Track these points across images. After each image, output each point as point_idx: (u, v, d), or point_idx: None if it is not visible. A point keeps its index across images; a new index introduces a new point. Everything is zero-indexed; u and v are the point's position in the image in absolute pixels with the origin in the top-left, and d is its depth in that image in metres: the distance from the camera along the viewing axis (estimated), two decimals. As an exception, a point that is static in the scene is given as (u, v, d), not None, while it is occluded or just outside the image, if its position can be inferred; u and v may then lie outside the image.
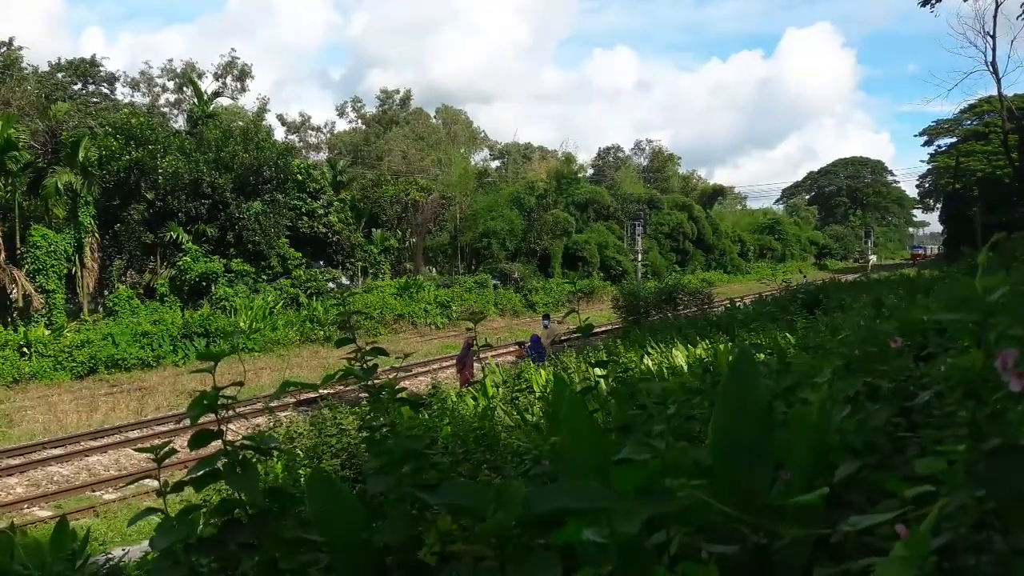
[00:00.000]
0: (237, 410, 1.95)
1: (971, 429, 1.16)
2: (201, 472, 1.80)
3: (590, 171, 76.53)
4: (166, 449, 1.91)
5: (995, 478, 1.09)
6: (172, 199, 32.71)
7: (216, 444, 1.86)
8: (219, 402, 1.84)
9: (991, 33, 36.36)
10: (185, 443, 1.98)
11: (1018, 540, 1.12)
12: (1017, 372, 1.10)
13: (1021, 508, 1.11)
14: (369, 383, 2.10)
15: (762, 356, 5.63)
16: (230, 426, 1.89)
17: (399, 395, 2.14)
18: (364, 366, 2.14)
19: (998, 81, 37.41)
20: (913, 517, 1.17)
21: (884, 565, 1.14)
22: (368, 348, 2.17)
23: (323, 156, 62.76)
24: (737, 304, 24.40)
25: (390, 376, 2.26)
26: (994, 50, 36.70)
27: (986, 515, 1.13)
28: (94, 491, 14.33)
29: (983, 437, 1.14)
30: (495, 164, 71.47)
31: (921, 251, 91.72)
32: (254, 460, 1.85)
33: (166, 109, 56.73)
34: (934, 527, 1.08)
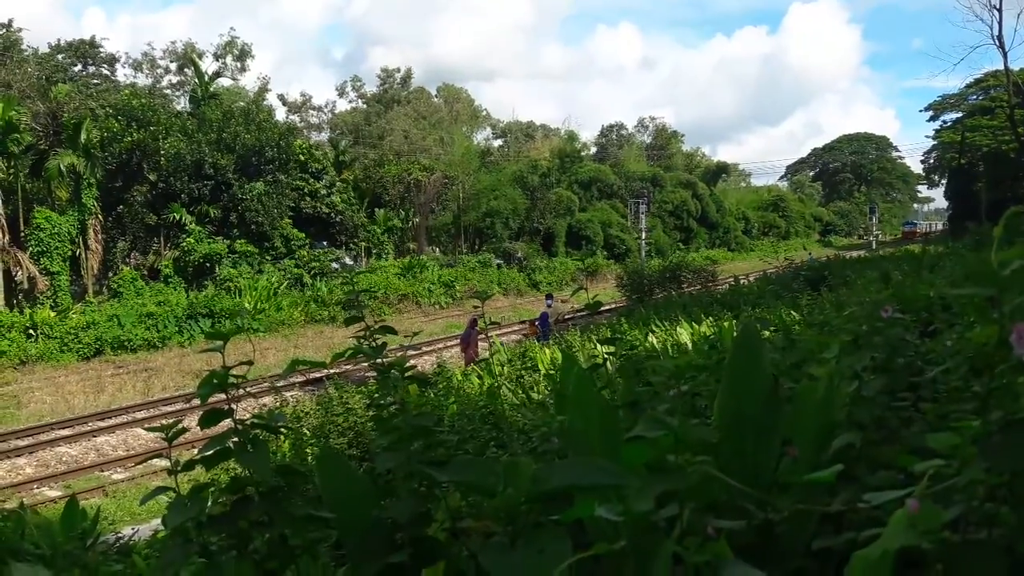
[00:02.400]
0: (245, 390, 1.95)
1: (983, 403, 1.16)
2: (212, 451, 1.81)
3: (593, 149, 76.15)
4: (176, 428, 1.92)
5: (1008, 451, 1.09)
6: (175, 180, 32.66)
7: (226, 423, 1.87)
8: (229, 381, 1.84)
9: (998, 7, 35.89)
10: (193, 423, 1.99)
11: None
12: (1028, 344, 1.10)
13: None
14: (378, 361, 2.11)
15: (767, 332, 5.63)
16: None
17: (408, 373, 2.15)
18: (373, 344, 2.14)
19: (1004, 55, 37.02)
20: (924, 492, 1.17)
21: (887, 535, 1.15)
22: (377, 326, 2.18)
23: (324, 136, 62.50)
24: (741, 281, 24.38)
25: (398, 354, 2.27)
26: (1000, 24, 36.26)
27: (997, 489, 1.14)
28: (103, 471, 14.46)
29: (995, 411, 1.14)
30: (497, 143, 71.12)
31: (914, 228, 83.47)
32: (264, 438, 1.86)
33: (168, 90, 56.46)
34: (946, 500, 1.09)
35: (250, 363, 1.88)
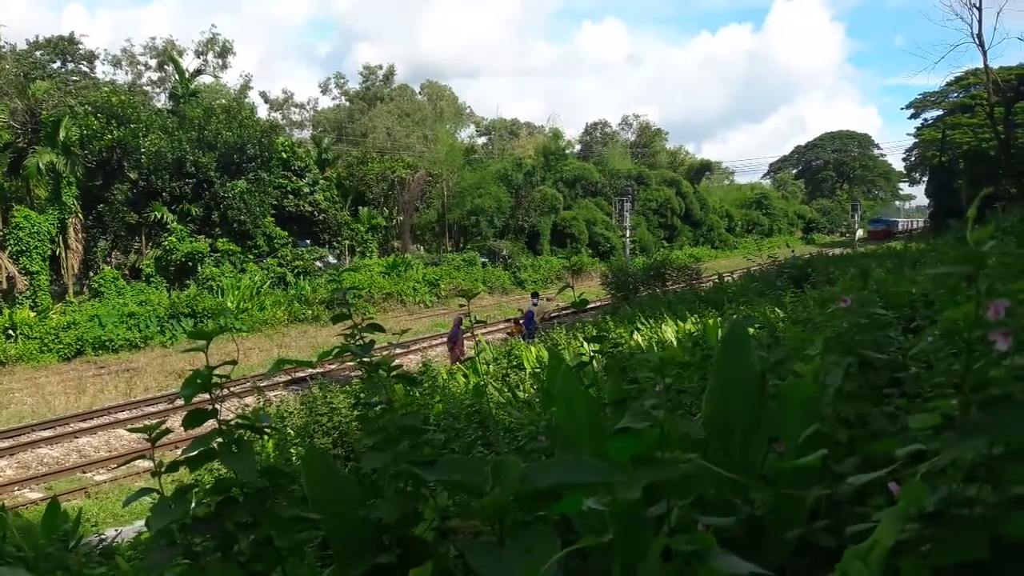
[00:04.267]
0: (229, 389, 1.93)
1: (960, 382, 1.18)
2: (196, 451, 1.79)
3: (577, 147, 76.20)
4: (160, 429, 1.90)
5: (985, 427, 1.10)
6: (156, 178, 32.35)
7: (210, 423, 1.85)
8: (213, 381, 1.82)
9: (978, 5, 36.20)
10: (176, 423, 1.96)
11: (1009, 492, 1.14)
12: (1003, 331, 1.12)
13: (1013, 459, 1.13)
14: (365, 360, 2.09)
15: (752, 330, 5.65)
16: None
17: (395, 372, 2.14)
18: (360, 343, 2.12)
19: (984, 53, 37.32)
20: (905, 475, 1.18)
21: (883, 523, 1.16)
22: (365, 324, 2.16)
23: (307, 134, 62.10)
24: (725, 279, 24.50)
25: (384, 353, 2.25)
26: (980, 22, 36.75)
27: (977, 468, 1.15)
28: (85, 472, 14.31)
29: (974, 390, 1.15)
30: (482, 140, 71.03)
31: (885, 226, 77.77)
32: (249, 439, 1.85)
33: (148, 87, 55.88)
34: (929, 482, 1.10)
35: (234, 363, 1.86)
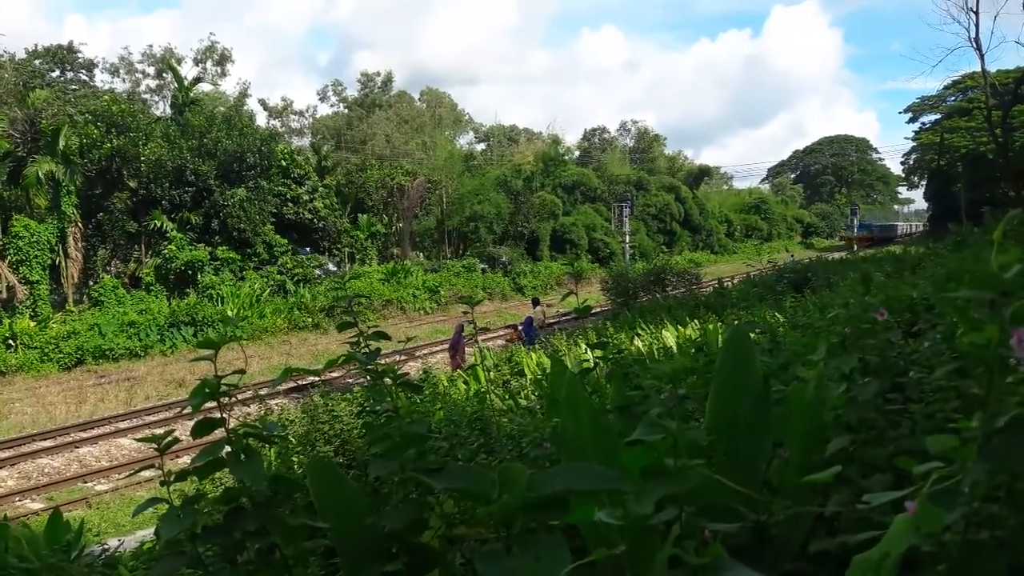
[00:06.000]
0: (236, 398, 1.94)
1: (982, 405, 1.17)
2: (205, 461, 1.79)
3: (576, 153, 76.37)
4: (169, 438, 1.90)
5: (1009, 452, 1.10)
6: (155, 187, 32.36)
7: (219, 432, 1.86)
8: (221, 390, 1.83)
9: (974, 9, 36.14)
10: (177, 432, 1.97)
11: None
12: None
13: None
14: (371, 367, 2.10)
15: (753, 335, 5.66)
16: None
17: (401, 380, 2.14)
18: (366, 350, 2.13)
19: (981, 57, 37.29)
20: (923, 493, 1.18)
21: (889, 538, 1.15)
22: (371, 332, 2.17)
23: (306, 141, 62.21)
24: (725, 284, 24.51)
25: (388, 361, 2.26)
26: (977, 26, 36.53)
27: (996, 490, 1.15)
28: (86, 482, 14.29)
29: (995, 412, 1.15)
30: (480, 147, 71.16)
31: (866, 232, 71.31)
32: (258, 448, 1.85)
33: (147, 95, 56.01)
34: (946, 502, 1.09)
35: (242, 372, 1.87)
